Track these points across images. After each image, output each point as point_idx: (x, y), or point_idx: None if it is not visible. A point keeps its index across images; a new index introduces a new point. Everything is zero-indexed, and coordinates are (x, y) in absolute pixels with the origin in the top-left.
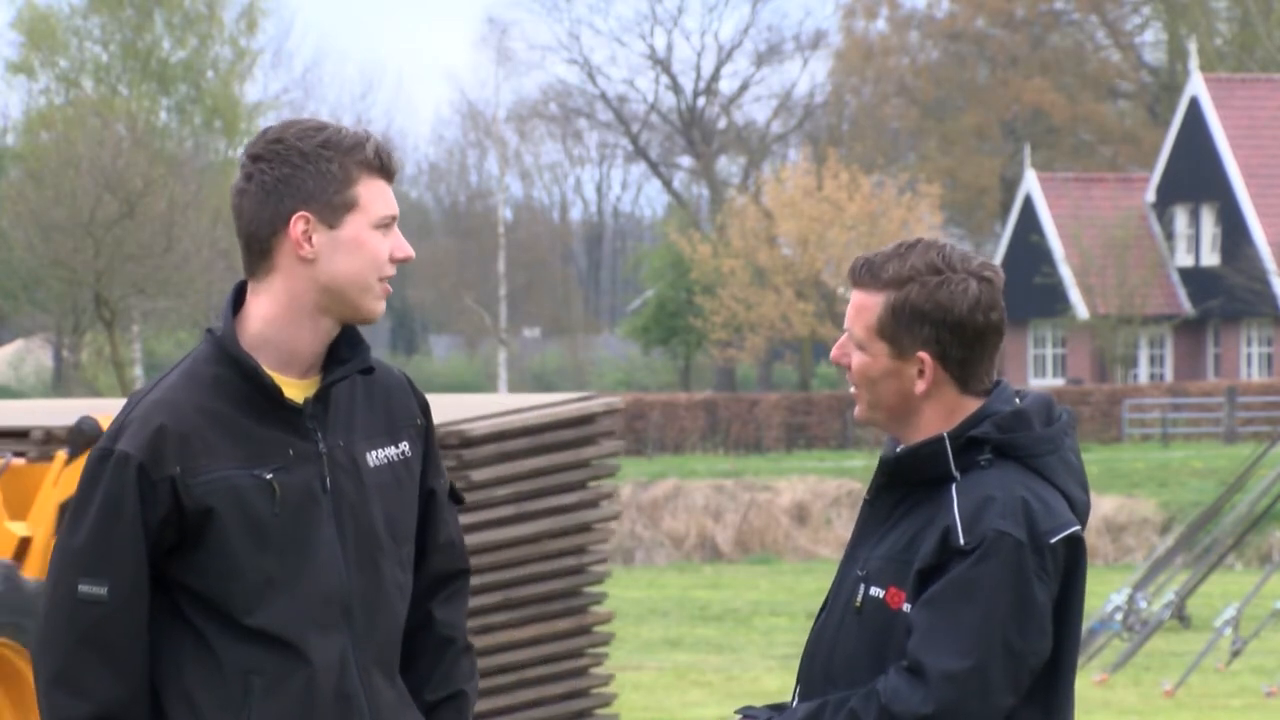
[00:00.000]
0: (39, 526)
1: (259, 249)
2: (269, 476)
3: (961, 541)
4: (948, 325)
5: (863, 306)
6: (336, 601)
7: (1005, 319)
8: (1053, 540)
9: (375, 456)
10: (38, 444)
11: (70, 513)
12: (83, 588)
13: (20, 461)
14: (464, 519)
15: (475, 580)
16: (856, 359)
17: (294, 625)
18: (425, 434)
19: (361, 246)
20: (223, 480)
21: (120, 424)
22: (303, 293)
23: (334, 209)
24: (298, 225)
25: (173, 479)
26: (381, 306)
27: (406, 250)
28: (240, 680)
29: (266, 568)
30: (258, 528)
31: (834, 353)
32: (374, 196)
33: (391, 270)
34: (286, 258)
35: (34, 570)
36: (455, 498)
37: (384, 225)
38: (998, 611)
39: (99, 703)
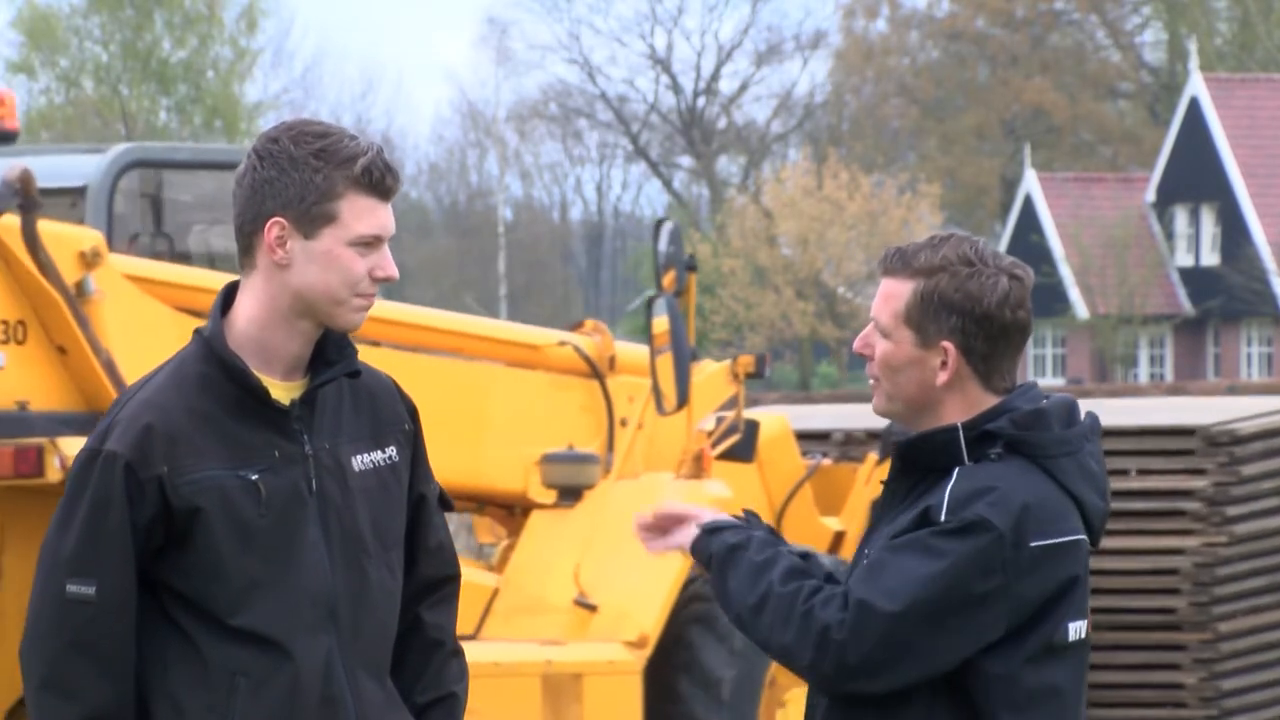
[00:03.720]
0: (852, 521)
1: (244, 245)
2: (255, 477)
3: (942, 517)
4: (975, 317)
5: (891, 294)
6: (322, 603)
7: (1031, 320)
8: (1034, 544)
9: (361, 461)
10: (838, 445)
11: (58, 513)
12: (71, 588)
13: (828, 461)
14: (1235, 509)
15: (1245, 565)
16: (880, 347)
17: (279, 625)
18: (414, 439)
19: (334, 261)
20: (209, 480)
21: (108, 424)
22: (278, 295)
23: (311, 219)
24: (272, 230)
25: (160, 479)
26: (359, 319)
27: (388, 271)
28: (226, 681)
29: (252, 568)
30: (243, 528)
31: (857, 343)
32: (357, 214)
33: (370, 288)
34: (264, 259)
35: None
36: (445, 504)
37: (363, 243)
38: (939, 579)
39: (89, 705)
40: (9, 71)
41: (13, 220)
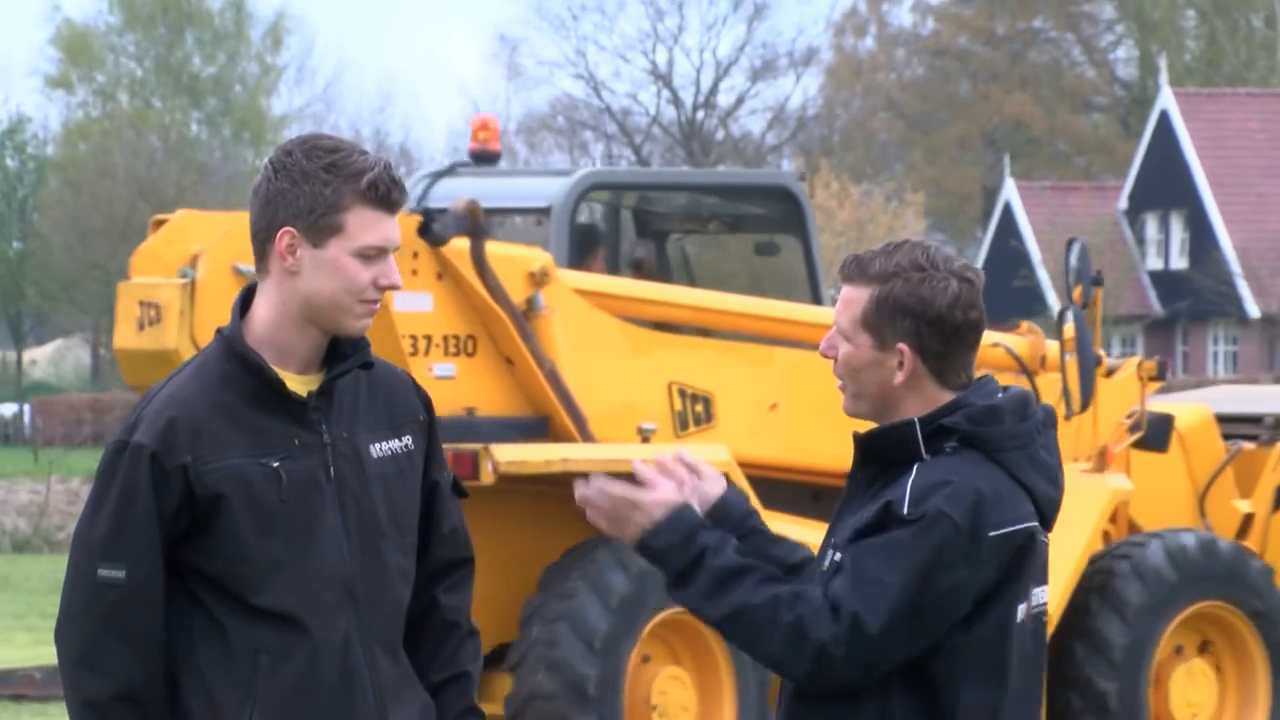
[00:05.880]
0: (1260, 505)
1: (259, 252)
2: (276, 465)
3: (904, 511)
4: (927, 319)
5: (850, 300)
6: (341, 584)
7: (984, 319)
8: (992, 533)
9: (378, 448)
10: (1269, 429)
11: (90, 502)
12: (102, 572)
13: (1250, 445)
14: None
15: None
16: (843, 350)
17: (301, 604)
18: (428, 429)
19: (339, 270)
20: (232, 468)
21: (135, 418)
22: (289, 300)
23: (319, 230)
24: (283, 239)
25: (184, 467)
26: (363, 325)
27: (392, 280)
28: (249, 658)
29: (274, 551)
30: (265, 513)
31: (822, 346)
32: (363, 226)
33: (375, 295)
34: (276, 265)
35: (1254, 543)
36: (458, 490)
37: (368, 254)
38: (915, 581)
39: (120, 682)
40: (48, 86)
41: (462, 244)
